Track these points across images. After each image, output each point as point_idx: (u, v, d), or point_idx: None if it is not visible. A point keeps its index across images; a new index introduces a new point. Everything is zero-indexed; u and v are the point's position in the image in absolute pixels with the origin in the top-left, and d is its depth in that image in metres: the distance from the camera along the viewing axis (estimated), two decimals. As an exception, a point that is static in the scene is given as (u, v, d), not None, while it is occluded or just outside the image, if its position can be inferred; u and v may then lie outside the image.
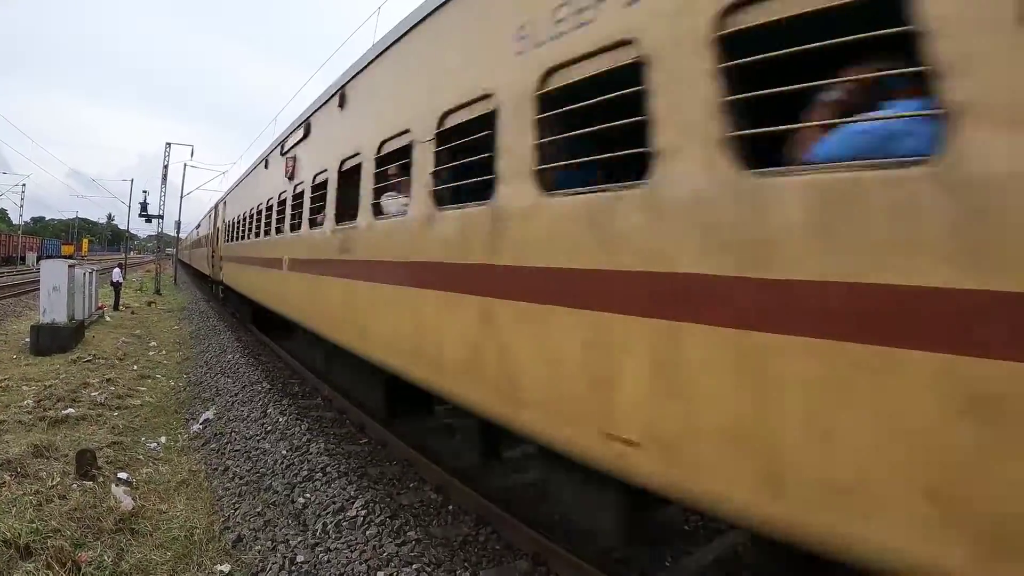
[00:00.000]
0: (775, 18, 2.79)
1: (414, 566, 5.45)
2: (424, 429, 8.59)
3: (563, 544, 5.42)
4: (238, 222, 19.16)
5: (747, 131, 2.90)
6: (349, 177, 8.07)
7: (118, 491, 7.06)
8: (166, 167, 43.44)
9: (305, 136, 10.78)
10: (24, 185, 67.97)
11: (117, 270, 28.99)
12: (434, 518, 6.49)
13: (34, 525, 5.98)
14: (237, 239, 19.34)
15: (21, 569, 5.32)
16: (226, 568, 5.82)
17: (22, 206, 69.92)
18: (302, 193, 10.43)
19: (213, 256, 26.96)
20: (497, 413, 4.75)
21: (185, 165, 46.35)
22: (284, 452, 8.44)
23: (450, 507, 6.69)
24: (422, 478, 7.46)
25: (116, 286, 28.02)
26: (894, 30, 2.41)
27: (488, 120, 4.85)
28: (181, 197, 49.05)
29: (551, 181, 4.22)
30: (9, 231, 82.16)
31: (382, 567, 5.49)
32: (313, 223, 9.61)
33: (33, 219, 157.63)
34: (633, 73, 3.46)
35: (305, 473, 7.70)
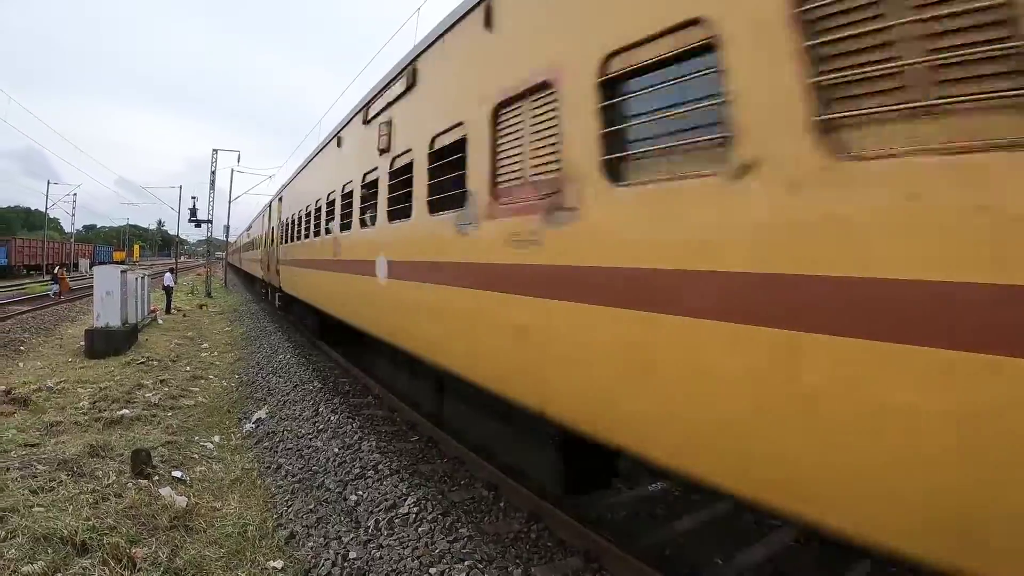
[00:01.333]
0: None
1: (466, 562, 5.55)
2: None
3: (616, 541, 5.45)
4: (300, 218, 16.77)
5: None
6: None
7: (166, 491, 7.33)
8: (213, 173, 44.86)
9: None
10: (75, 195, 70.52)
11: (168, 274, 29.99)
12: (486, 515, 6.60)
13: (90, 522, 6.24)
14: (299, 238, 16.93)
15: (77, 565, 5.57)
16: (279, 564, 6.01)
17: (74, 215, 72.64)
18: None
19: (268, 260, 25.45)
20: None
21: (232, 170, 47.74)
22: (336, 450, 8.65)
23: (502, 504, 6.78)
24: (473, 475, 7.56)
25: (168, 290, 28.98)
26: None
27: None
28: (229, 202, 50.85)
29: None
30: (61, 239, 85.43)
31: (434, 563, 5.61)
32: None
33: (85, 227, 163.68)
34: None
35: (357, 471, 7.88)
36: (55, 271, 41.49)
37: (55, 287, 35.95)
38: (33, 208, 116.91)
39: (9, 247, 59.58)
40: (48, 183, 66.28)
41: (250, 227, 44.82)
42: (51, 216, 76.17)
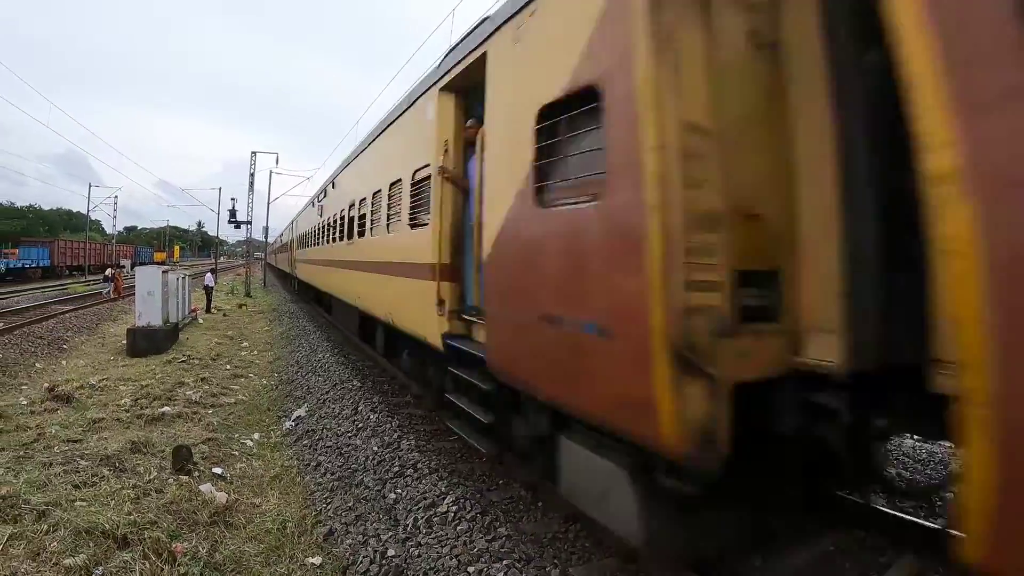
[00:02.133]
0: None
1: (504, 562, 5.56)
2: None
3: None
4: (303, 236, 19.88)
5: None
6: None
7: (206, 488, 7.47)
8: (252, 175, 45.66)
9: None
10: (116, 197, 72.13)
11: (209, 275, 30.56)
12: (524, 514, 6.61)
13: (131, 517, 6.40)
14: (330, 240, 17.85)
15: (118, 558, 5.72)
16: (317, 560, 6.10)
17: (115, 216, 74.34)
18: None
19: (294, 262, 30.14)
20: None
21: (271, 172, 48.56)
22: (375, 448, 8.74)
23: (539, 504, 6.79)
24: (511, 475, 7.58)
25: (208, 290, 29.53)
26: None
27: None
28: (268, 203, 51.51)
29: None
30: (103, 240, 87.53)
31: (473, 562, 5.63)
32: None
33: (126, 228, 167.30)
34: None
35: (396, 469, 7.95)
36: (107, 272, 41.66)
37: (108, 286, 36.39)
38: (75, 210, 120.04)
39: (52, 248, 61.29)
40: (90, 186, 67.92)
41: (281, 235, 47.12)
42: (92, 218, 78.07)
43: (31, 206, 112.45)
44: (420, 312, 8.20)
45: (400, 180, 9.51)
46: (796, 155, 4.04)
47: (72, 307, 27.73)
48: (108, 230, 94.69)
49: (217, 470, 8.25)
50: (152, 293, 18.35)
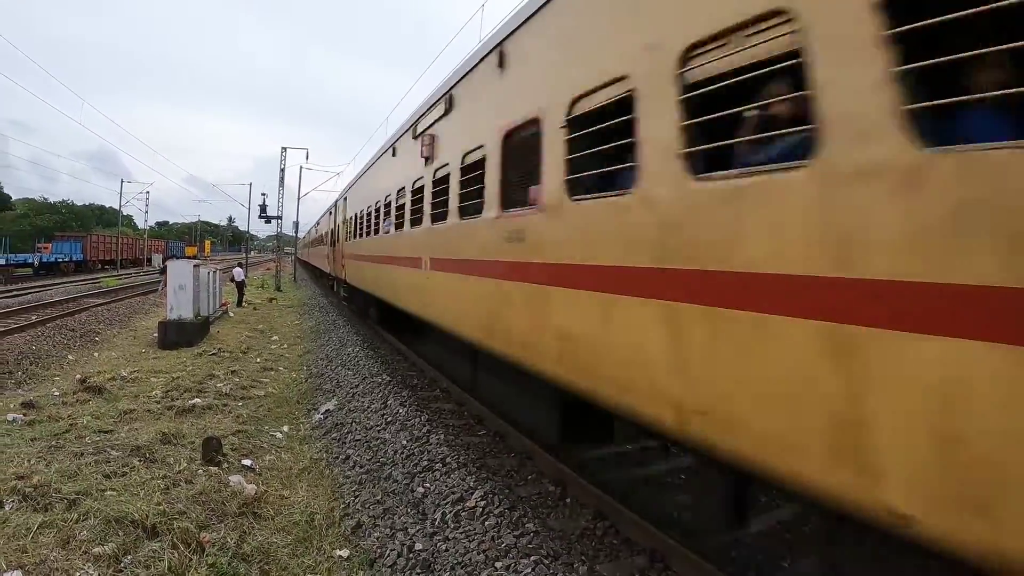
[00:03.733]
0: None
1: (532, 558, 5.56)
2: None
3: (681, 540, 5.40)
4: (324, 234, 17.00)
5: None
6: None
7: (235, 479, 7.58)
8: (283, 170, 46.21)
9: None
10: (148, 192, 73.19)
11: (239, 269, 30.94)
12: (552, 511, 6.61)
13: (161, 507, 6.52)
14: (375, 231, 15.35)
15: (147, 548, 5.84)
16: (345, 553, 6.18)
17: (147, 211, 75.45)
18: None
19: (335, 257, 26.64)
20: None
21: (301, 168, 49.16)
22: (404, 442, 8.79)
23: (568, 500, 6.79)
24: (540, 471, 7.59)
25: (239, 284, 29.91)
26: None
27: None
28: (298, 198, 52.34)
29: None
30: (135, 235, 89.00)
31: (500, 558, 5.65)
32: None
33: (157, 223, 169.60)
34: None
35: (425, 463, 7.99)
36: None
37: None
38: (107, 206, 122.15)
39: (85, 243, 62.51)
40: (122, 182, 69.05)
41: (317, 223, 46.86)
42: (124, 213, 79.30)
43: (64, 202, 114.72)
44: None
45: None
46: None
47: (104, 300, 28.25)
48: (140, 225, 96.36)
49: (246, 462, 8.38)
50: (184, 287, 18.70)
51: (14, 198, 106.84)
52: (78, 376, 12.84)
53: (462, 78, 8.80)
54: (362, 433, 9.64)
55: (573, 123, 5.45)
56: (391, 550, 6.07)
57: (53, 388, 12.27)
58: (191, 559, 5.66)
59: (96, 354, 16.92)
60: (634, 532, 5.90)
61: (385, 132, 16.78)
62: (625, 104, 4.67)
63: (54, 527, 6.05)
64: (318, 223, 46.47)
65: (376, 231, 15.74)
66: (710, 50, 3.88)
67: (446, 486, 7.29)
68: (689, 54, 4.01)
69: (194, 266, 19.66)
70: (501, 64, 7.26)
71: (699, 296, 3.95)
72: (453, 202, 8.65)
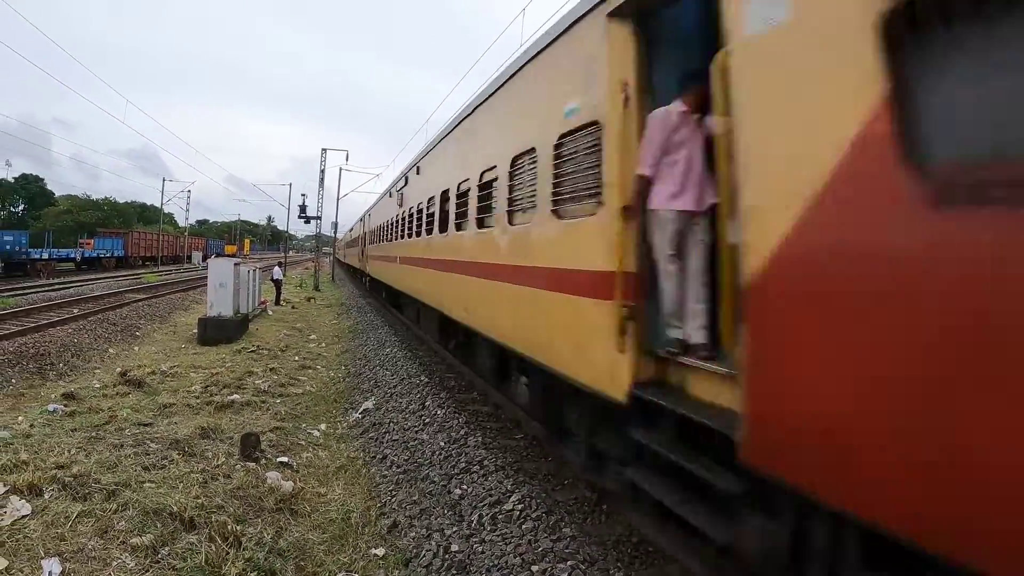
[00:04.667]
0: None
1: (568, 563, 5.54)
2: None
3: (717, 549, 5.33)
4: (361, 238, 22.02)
5: None
6: None
7: (272, 475, 7.66)
8: (322, 171, 46.80)
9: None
10: (189, 191, 74.41)
11: (278, 268, 31.36)
12: (589, 516, 6.57)
13: (199, 500, 6.62)
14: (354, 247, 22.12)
15: (184, 540, 5.92)
16: (381, 552, 6.21)
17: (188, 210, 76.71)
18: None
19: (361, 257, 33.61)
20: None
21: (340, 169, 49.70)
22: (442, 444, 8.82)
23: (604, 506, 6.74)
24: (577, 476, 7.55)
25: (277, 283, 30.30)
26: None
27: None
28: (337, 199, 52.93)
29: None
30: (176, 233, 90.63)
31: (536, 561, 5.63)
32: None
33: (198, 222, 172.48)
34: None
35: (463, 465, 8.01)
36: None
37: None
38: (148, 203, 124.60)
39: (126, 239, 63.89)
40: (163, 180, 70.29)
41: (362, 219, 49.11)
42: (166, 211, 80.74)
43: (107, 199, 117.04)
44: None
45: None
46: None
47: (145, 296, 28.78)
48: (180, 223, 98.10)
49: (283, 458, 8.46)
50: (224, 285, 19.00)
51: (57, 194, 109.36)
52: (119, 369, 13.10)
53: (411, 169, 17.26)
54: (400, 433, 9.69)
55: (479, 187, 9.52)
56: (427, 550, 6.08)
57: (94, 380, 12.54)
58: (228, 552, 5.72)
59: (136, 348, 17.26)
60: (668, 540, 5.84)
61: (426, 134, 17.65)
62: (489, 185, 9.03)
63: (93, 516, 6.16)
64: (351, 229, 54.22)
65: (378, 241, 26.57)
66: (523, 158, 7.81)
67: (483, 488, 7.29)
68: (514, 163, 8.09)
69: (234, 264, 19.97)
70: (418, 171, 15.90)
71: (488, 275, 8.77)
72: (412, 228, 16.13)
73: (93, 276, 46.05)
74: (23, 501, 6.29)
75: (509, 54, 8.84)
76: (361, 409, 11.38)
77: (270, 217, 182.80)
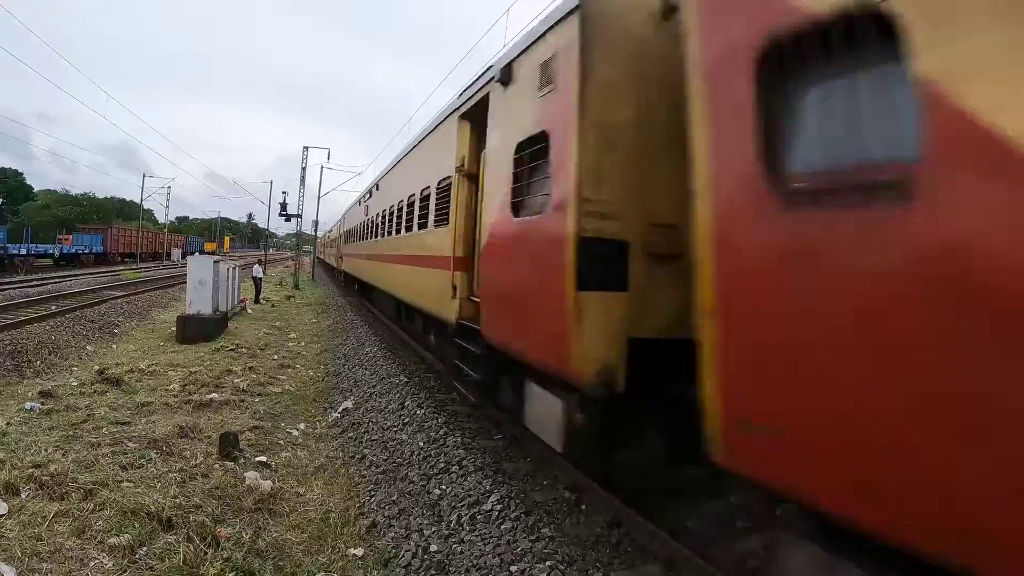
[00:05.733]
0: None
1: (547, 563, 5.54)
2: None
3: (696, 551, 5.36)
4: (338, 238, 27.58)
5: None
6: None
7: (251, 475, 7.61)
8: (304, 169, 46.71)
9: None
10: (169, 187, 73.91)
11: (257, 266, 31.18)
12: (567, 516, 6.58)
13: (177, 500, 6.56)
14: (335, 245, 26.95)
15: (162, 540, 5.86)
16: (359, 552, 6.18)
17: (167, 206, 76.20)
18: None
19: (338, 254, 38.21)
20: None
21: (322, 167, 49.58)
22: (421, 443, 8.79)
23: (583, 507, 6.76)
24: (556, 476, 7.56)
25: (257, 280, 30.09)
26: None
27: None
28: (319, 197, 52.58)
29: None
30: (155, 229, 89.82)
31: (515, 562, 5.63)
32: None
33: (178, 218, 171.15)
34: None
35: (441, 465, 7.99)
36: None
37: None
38: (128, 199, 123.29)
39: (105, 235, 63.15)
40: (144, 175, 69.75)
41: (343, 219, 50.82)
42: (145, 207, 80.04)
43: (86, 194, 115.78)
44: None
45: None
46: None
47: (124, 293, 28.47)
48: (160, 219, 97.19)
49: (262, 458, 8.41)
50: (203, 282, 18.85)
51: (36, 189, 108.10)
52: (96, 367, 12.97)
53: (371, 187, 21.99)
54: (379, 433, 9.66)
55: (418, 199, 12.52)
56: (406, 550, 6.07)
57: (71, 378, 12.40)
58: (206, 553, 5.68)
59: (114, 346, 17.09)
60: (649, 540, 5.86)
61: (408, 132, 17.97)
62: (427, 198, 11.56)
63: (70, 516, 6.09)
64: (331, 230, 57.06)
65: (349, 241, 31.34)
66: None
67: (462, 488, 7.28)
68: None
69: (214, 262, 19.82)
70: (369, 195, 22.76)
71: (402, 262, 14.13)
72: (370, 233, 21.37)
73: (72, 272, 45.40)
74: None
75: (493, 53, 9.14)
76: (340, 408, 11.33)
77: (250, 215, 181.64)
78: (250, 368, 14.11)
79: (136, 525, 5.97)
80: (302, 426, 10.38)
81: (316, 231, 59.14)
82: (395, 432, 9.56)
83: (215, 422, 9.66)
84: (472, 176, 9.15)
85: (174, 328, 18.60)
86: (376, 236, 19.57)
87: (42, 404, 10.08)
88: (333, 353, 17.57)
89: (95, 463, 7.43)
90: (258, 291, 29.96)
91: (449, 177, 9.90)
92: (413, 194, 13.15)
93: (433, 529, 6.43)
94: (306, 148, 46.40)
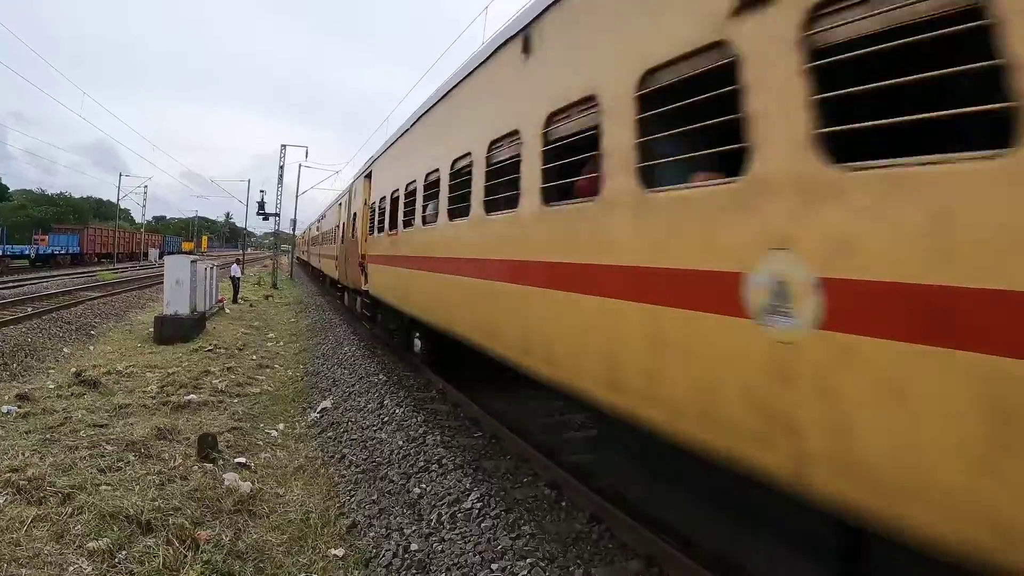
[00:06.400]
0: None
1: (528, 560, 5.54)
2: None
3: (678, 546, 5.39)
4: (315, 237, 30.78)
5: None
6: None
7: (230, 476, 7.55)
8: (282, 168, 46.35)
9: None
10: (146, 187, 72.95)
11: (236, 266, 30.91)
12: (548, 513, 6.59)
13: (156, 503, 6.49)
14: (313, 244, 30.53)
15: (142, 543, 5.80)
16: (340, 552, 6.15)
17: (144, 206, 75.27)
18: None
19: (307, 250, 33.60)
20: None
21: (300, 165, 49.32)
22: (400, 442, 8.77)
23: (563, 503, 6.78)
24: (536, 473, 7.57)
25: (235, 280, 29.83)
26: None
27: None
28: (296, 196, 52.34)
29: None
30: (132, 229, 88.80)
31: (496, 559, 5.62)
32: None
33: (155, 218, 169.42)
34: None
35: (421, 464, 7.97)
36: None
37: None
38: (104, 199, 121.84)
39: (82, 235, 62.39)
40: (120, 175, 68.88)
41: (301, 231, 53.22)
42: (122, 207, 79.09)
43: (62, 194, 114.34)
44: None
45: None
46: None
47: (101, 294, 28.15)
48: (137, 219, 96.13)
49: (241, 459, 8.35)
50: (180, 282, 18.64)
51: (12, 189, 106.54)
52: (73, 369, 12.80)
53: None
54: (358, 432, 9.62)
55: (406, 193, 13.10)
56: (387, 550, 6.05)
57: (48, 381, 12.21)
58: (186, 555, 5.62)
59: (92, 348, 16.84)
60: (630, 536, 5.88)
61: (386, 131, 17.85)
62: (413, 193, 11.30)
63: (48, 521, 6.01)
64: (307, 230, 59.29)
65: (319, 243, 37.59)
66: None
67: (442, 487, 7.27)
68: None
69: (191, 262, 19.61)
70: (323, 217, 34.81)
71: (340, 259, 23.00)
72: (329, 237, 30.01)
73: (48, 273, 44.80)
74: (-24, 506, 6.13)
75: (470, 51, 9.06)
76: (319, 408, 11.26)
77: (228, 214, 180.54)
78: (228, 368, 13.97)
79: (115, 529, 5.91)
80: (281, 426, 10.31)
81: (294, 229, 58.79)
82: (374, 431, 9.52)
83: (193, 423, 9.56)
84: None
85: (151, 329, 18.38)
86: (334, 240, 27.39)
87: (19, 407, 9.92)
88: (312, 352, 17.47)
89: (73, 466, 7.33)
90: (236, 291, 29.71)
91: (357, 212, 18.30)
92: (353, 214, 19.96)
93: (414, 528, 6.41)
94: (284, 146, 46.14)
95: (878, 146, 3.04)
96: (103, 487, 6.82)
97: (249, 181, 56.11)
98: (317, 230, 42.30)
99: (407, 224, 11.65)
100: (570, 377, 5.74)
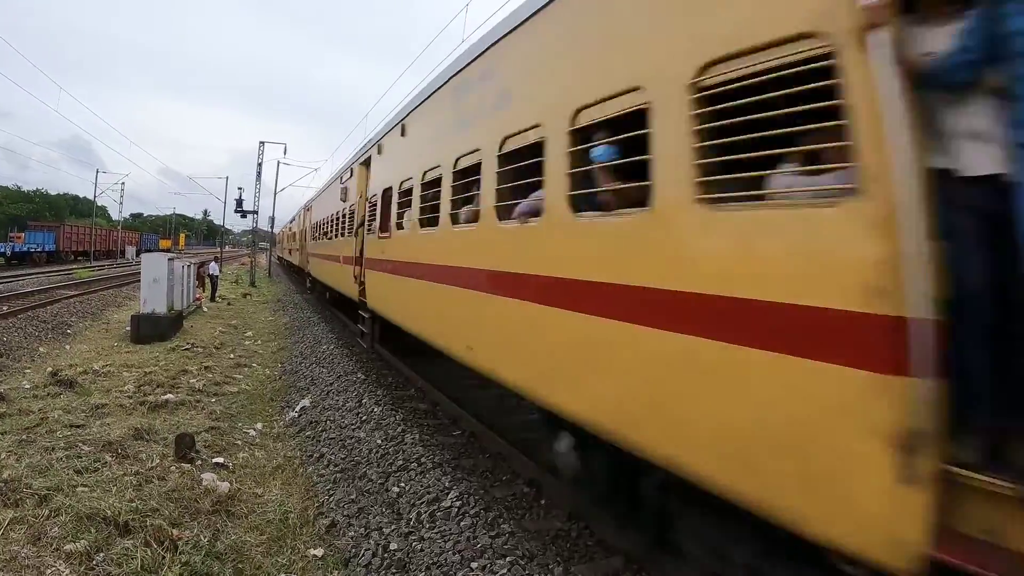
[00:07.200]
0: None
1: (508, 558, 5.56)
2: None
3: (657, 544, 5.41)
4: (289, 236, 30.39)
5: None
6: None
7: (208, 476, 7.48)
8: (260, 164, 45.99)
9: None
10: (123, 183, 72.10)
11: (213, 263, 30.57)
12: (527, 511, 6.61)
13: (133, 504, 6.40)
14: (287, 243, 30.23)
15: (120, 545, 5.71)
16: (319, 552, 6.11)
17: (121, 203, 74.38)
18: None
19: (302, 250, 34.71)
20: None
21: (278, 162, 48.96)
22: (379, 441, 8.74)
23: (543, 501, 6.79)
24: (515, 471, 7.58)
25: (213, 278, 29.54)
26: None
27: None
28: (275, 193, 52.02)
29: None
30: (109, 226, 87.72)
31: (476, 558, 5.63)
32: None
33: (132, 215, 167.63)
34: None
35: (400, 463, 7.95)
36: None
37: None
38: (81, 196, 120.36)
39: (58, 233, 61.46)
40: (97, 172, 68.17)
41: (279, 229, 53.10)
42: (99, 204, 78.12)
43: (38, 191, 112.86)
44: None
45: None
46: None
47: (77, 292, 27.79)
48: (114, 216, 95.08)
49: (219, 459, 8.26)
50: (157, 280, 18.40)
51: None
52: (49, 369, 12.58)
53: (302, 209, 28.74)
54: (337, 432, 9.56)
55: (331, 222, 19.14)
56: (366, 549, 6.03)
57: (24, 381, 12.00)
58: (164, 557, 5.56)
59: (68, 347, 16.57)
60: (610, 534, 5.90)
61: (365, 127, 18.49)
62: (388, 195, 11.13)
63: (25, 523, 5.92)
64: (284, 227, 59.36)
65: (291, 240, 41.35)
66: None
67: (421, 486, 7.26)
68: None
69: (168, 259, 19.39)
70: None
71: (326, 259, 21.88)
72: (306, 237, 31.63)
73: (23, 272, 44.09)
74: (-50, 509, 6.02)
75: (450, 49, 9.06)
76: (298, 407, 11.18)
77: (206, 211, 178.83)
78: (206, 368, 13.83)
79: (92, 531, 5.83)
80: (259, 426, 10.22)
81: (273, 227, 58.41)
82: (353, 430, 9.48)
83: (171, 423, 9.44)
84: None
85: (128, 328, 18.12)
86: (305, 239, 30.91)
87: (-6, 408, 9.77)
88: (290, 351, 17.33)
89: (49, 468, 7.21)
90: (214, 289, 29.37)
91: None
92: (335, 213, 20.23)
93: (393, 527, 6.40)
94: (262, 143, 45.75)
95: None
96: (80, 488, 6.72)
97: (227, 178, 55.64)
98: (310, 221, 30.31)
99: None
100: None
